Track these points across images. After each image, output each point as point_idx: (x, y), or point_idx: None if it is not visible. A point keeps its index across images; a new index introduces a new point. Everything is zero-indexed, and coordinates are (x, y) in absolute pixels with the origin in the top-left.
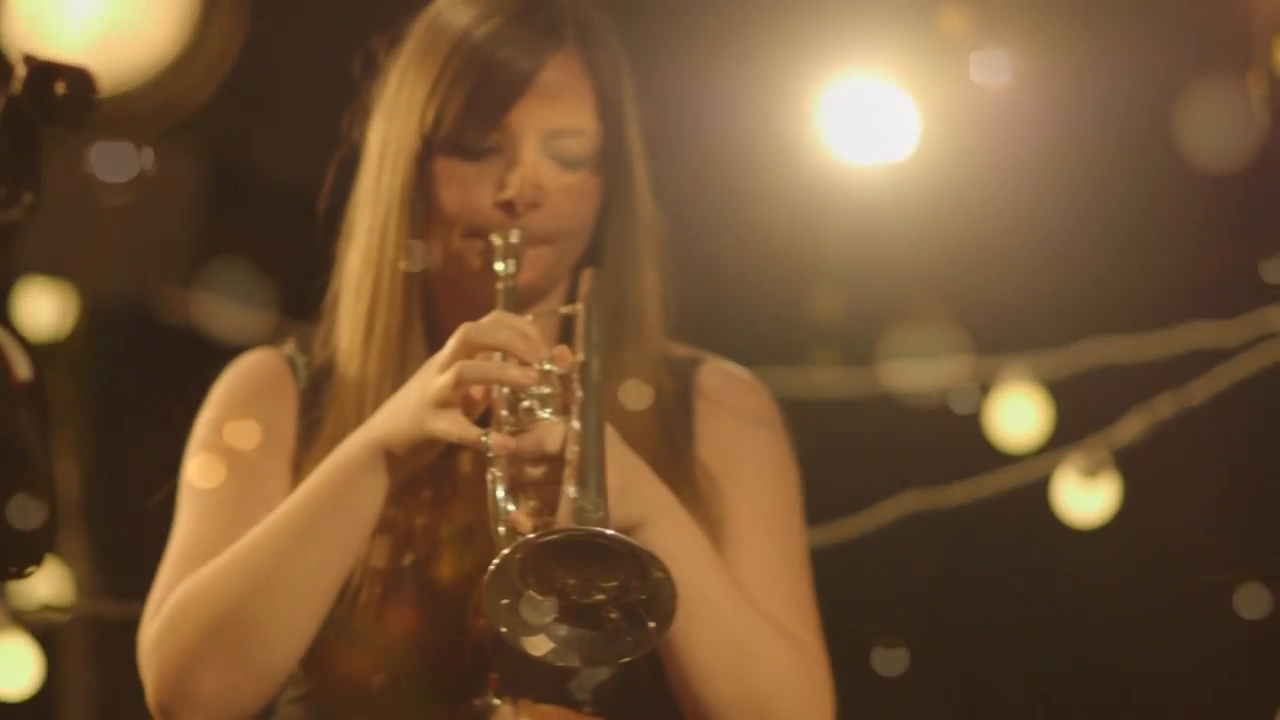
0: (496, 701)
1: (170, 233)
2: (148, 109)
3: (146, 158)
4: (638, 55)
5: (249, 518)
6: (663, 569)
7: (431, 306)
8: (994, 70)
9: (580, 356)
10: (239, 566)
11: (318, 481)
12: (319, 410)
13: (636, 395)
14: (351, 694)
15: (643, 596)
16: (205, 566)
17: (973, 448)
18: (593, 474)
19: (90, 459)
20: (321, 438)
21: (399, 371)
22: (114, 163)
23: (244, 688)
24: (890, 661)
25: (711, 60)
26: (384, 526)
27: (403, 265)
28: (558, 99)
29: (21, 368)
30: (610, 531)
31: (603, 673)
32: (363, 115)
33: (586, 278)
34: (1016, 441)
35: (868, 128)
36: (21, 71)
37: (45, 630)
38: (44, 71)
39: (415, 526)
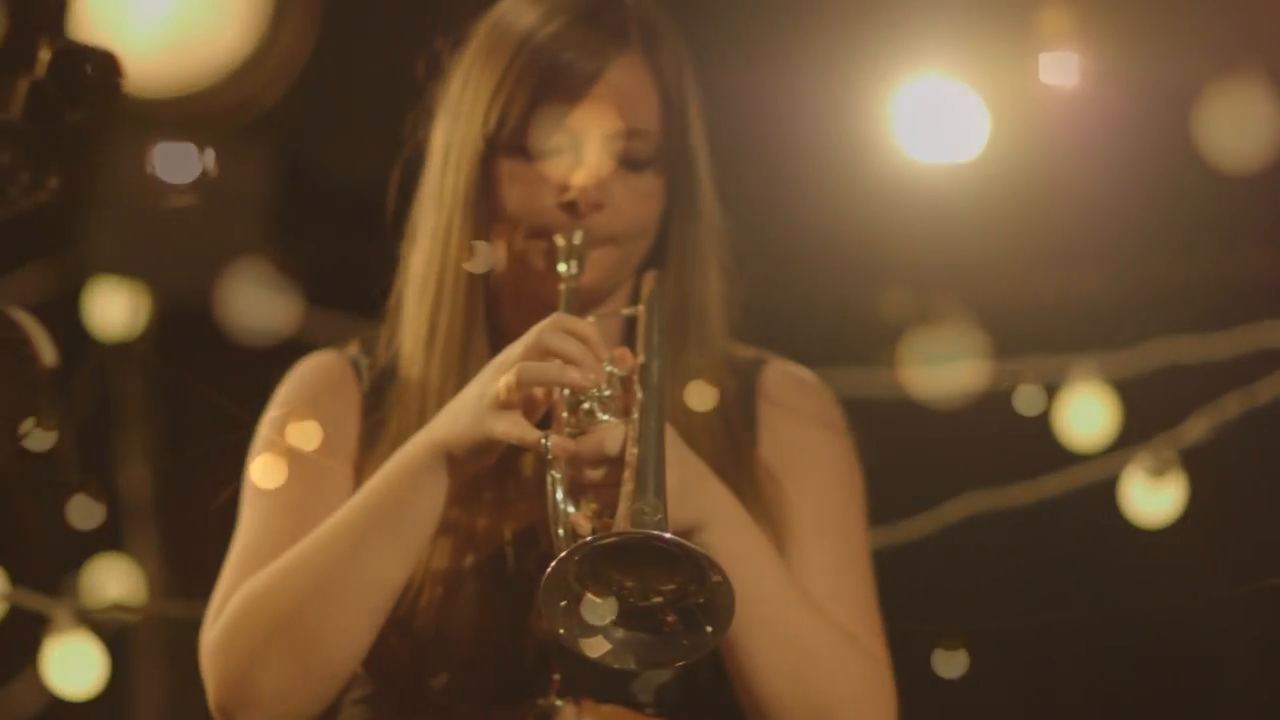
0: (559, 702)
1: (238, 233)
2: (219, 109)
3: (215, 158)
4: (706, 55)
5: (311, 519)
6: (720, 573)
7: (494, 307)
8: (1063, 70)
9: (641, 359)
10: (300, 568)
11: (379, 483)
12: (381, 412)
13: (699, 396)
14: (414, 694)
15: (700, 600)
16: (267, 568)
17: (1039, 447)
18: (652, 477)
19: (159, 459)
20: (384, 439)
21: (461, 373)
22: (182, 163)
23: (305, 690)
24: (951, 663)
25: (780, 60)
26: (446, 528)
27: (466, 266)
28: (621, 100)
29: (47, 354)
30: (667, 535)
31: (665, 674)
32: (427, 116)
33: (648, 280)
34: (1083, 441)
35: (937, 127)
36: (46, 55)
37: (113, 629)
38: (69, 55)
39: (477, 528)
